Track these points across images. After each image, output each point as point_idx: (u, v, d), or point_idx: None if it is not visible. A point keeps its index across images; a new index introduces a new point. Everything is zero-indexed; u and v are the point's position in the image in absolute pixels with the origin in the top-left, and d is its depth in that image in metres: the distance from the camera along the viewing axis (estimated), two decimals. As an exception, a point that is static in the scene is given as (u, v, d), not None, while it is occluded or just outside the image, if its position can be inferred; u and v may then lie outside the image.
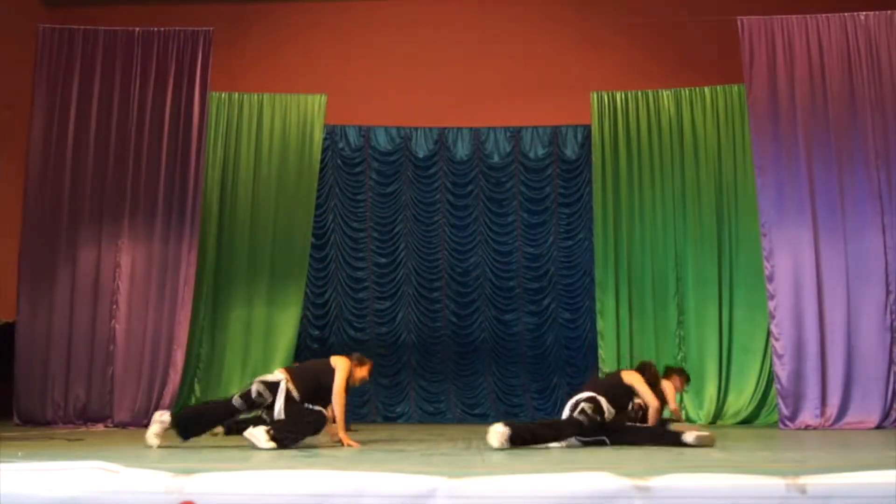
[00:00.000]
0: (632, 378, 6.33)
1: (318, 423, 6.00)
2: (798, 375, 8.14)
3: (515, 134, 10.90)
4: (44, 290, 8.46)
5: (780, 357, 8.21)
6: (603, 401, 5.98)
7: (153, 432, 5.79)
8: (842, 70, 8.42)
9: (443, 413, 10.55)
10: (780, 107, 8.45)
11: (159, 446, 5.70)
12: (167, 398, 8.37)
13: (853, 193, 8.25)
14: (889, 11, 8.45)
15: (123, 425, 8.24)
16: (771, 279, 8.30)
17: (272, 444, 5.67)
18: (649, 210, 9.71)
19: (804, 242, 8.26)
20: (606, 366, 9.15)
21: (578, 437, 5.89)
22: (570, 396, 8.66)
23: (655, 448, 5.65)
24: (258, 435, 5.71)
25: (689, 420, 9.20)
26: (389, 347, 10.75)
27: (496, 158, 10.90)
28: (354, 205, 10.90)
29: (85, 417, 8.32)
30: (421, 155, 10.97)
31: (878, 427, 7.85)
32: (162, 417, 5.88)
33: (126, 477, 2.74)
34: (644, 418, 6.37)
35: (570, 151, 10.80)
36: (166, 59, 8.84)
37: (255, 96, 9.92)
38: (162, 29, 8.92)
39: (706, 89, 9.83)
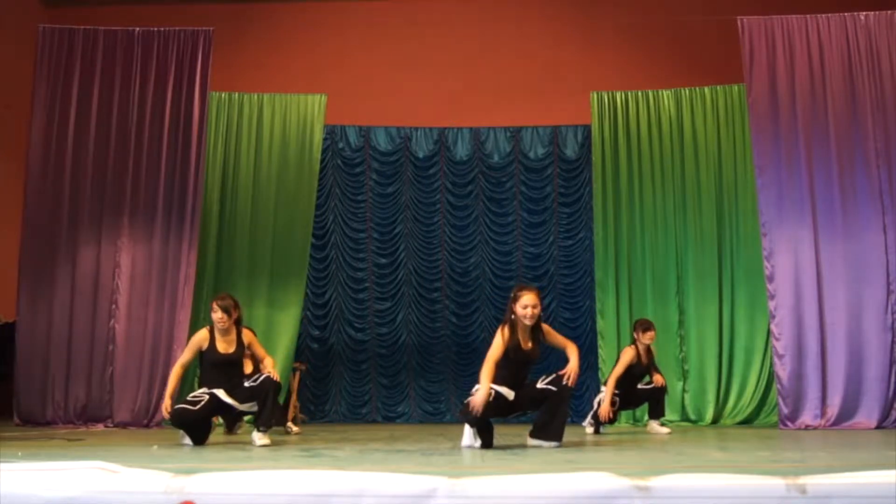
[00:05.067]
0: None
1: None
2: (798, 375, 8.14)
3: (515, 134, 10.90)
4: (44, 289, 8.47)
5: (780, 357, 8.21)
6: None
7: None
8: (842, 70, 8.42)
9: (443, 413, 10.55)
10: (780, 107, 8.44)
11: (159, 447, 5.70)
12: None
13: (853, 193, 8.24)
14: (889, 11, 8.45)
15: (123, 425, 8.24)
16: (771, 279, 8.30)
17: (266, 441, 5.85)
18: (649, 210, 9.72)
19: (804, 242, 8.26)
20: (606, 366, 9.14)
21: None
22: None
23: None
24: (254, 436, 5.91)
25: (688, 420, 9.22)
26: (390, 348, 10.77)
27: (496, 158, 10.91)
28: (354, 205, 10.90)
29: (85, 417, 8.32)
30: (421, 155, 10.97)
31: (879, 427, 7.85)
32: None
33: (126, 477, 2.74)
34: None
35: (570, 151, 10.80)
36: (166, 59, 8.84)
37: (255, 96, 9.92)
38: (162, 29, 8.92)
39: (706, 89, 9.83)
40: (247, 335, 6.23)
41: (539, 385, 5.54)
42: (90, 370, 8.39)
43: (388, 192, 10.94)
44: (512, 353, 5.52)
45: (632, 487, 2.56)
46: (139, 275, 8.59)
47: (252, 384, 5.91)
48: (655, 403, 7.87)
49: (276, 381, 5.92)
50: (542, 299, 5.72)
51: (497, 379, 5.51)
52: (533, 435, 5.65)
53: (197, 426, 5.94)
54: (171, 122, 8.77)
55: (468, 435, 5.55)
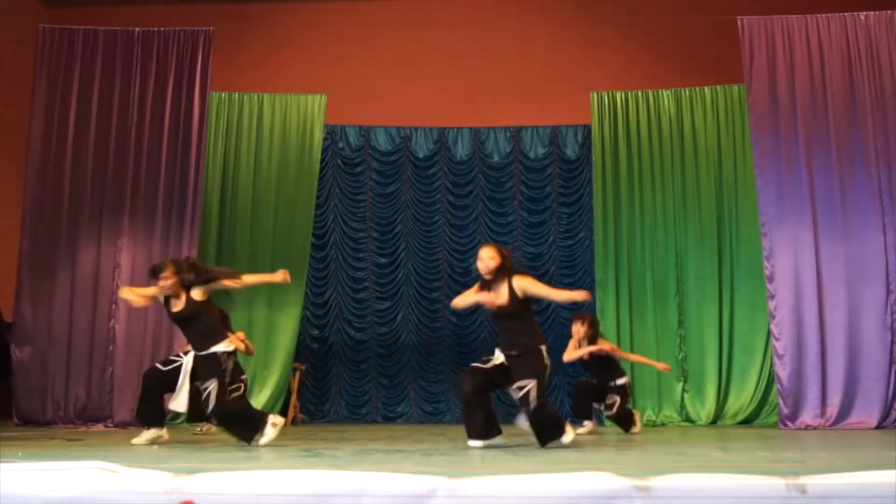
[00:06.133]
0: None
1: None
2: (798, 375, 8.14)
3: (515, 134, 10.90)
4: (44, 289, 8.46)
5: (780, 357, 8.21)
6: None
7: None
8: (842, 70, 8.42)
9: (443, 413, 10.55)
10: (780, 107, 8.45)
11: (159, 447, 5.71)
12: (167, 398, 8.35)
13: (853, 193, 8.25)
14: (889, 11, 8.45)
15: (123, 425, 8.24)
16: (771, 279, 8.30)
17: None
18: (649, 210, 9.71)
19: (804, 242, 8.26)
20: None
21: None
22: (570, 396, 8.62)
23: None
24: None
25: (689, 420, 9.23)
26: (389, 348, 10.76)
27: (496, 158, 10.91)
28: (354, 205, 10.90)
29: (85, 417, 8.32)
30: (421, 155, 10.97)
31: (879, 427, 7.85)
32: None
33: (126, 477, 2.74)
34: None
35: (570, 151, 10.80)
36: (166, 59, 8.84)
37: (255, 96, 9.92)
38: (162, 29, 8.92)
39: (706, 89, 9.83)
40: (199, 289, 5.96)
41: (513, 389, 5.49)
42: (90, 370, 8.39)
43: (388, 192, 10.93)
44: (487, 309, 5.69)
45: (632, 487, 2.57)
46: (139, 275, 8.56)
47: (204, 404, 5.84)
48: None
49: (226, 411, 5.83)
50: (502, 252, 5.67)
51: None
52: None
53: (154, 394, 5.98)
54: (171, 122, 8.77)
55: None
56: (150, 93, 8.78)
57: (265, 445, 5.71)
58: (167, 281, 5.90)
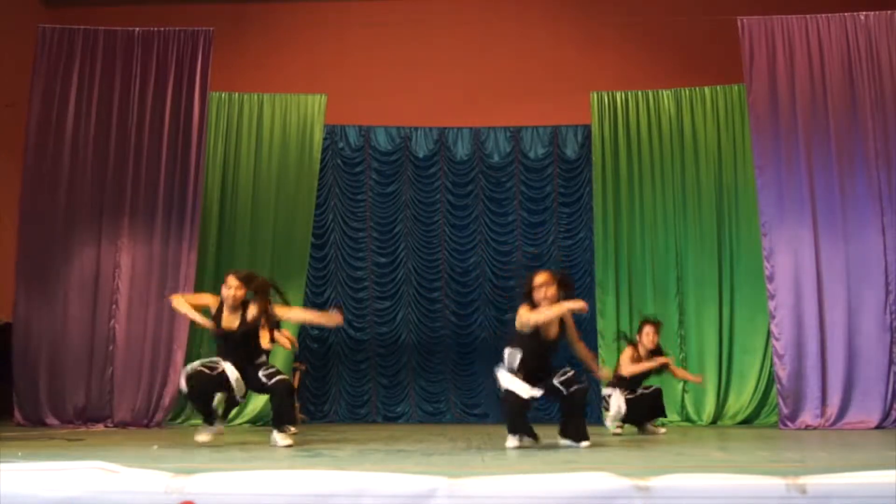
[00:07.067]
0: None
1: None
2: (798, 375, 8.14)
3: (515, 134, 10.91)
4: (44, 290, 8.45)
5: (780, 357, 8.21)
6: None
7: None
8: (842, 70, 8.42)
9: (443, 413, 10.56)
10: (780, 107, 8.45)
11: (159, 447, 5.71)
12: (167, 398, 8.37)
13: (853, 193, 8.25)
14: (889, 11, 8.45)
15: (123, 425, 8.24)
16: (771, 279, 8.30)
17: (289, 441, 5.80)
18: (649, 210, 9.72)
19: (804, 242, 8.27)
20: (607, 365, 9.13)
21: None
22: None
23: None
24: (276, 438, 5.83)
25: (689, 420, 9.23)
26: (389, 347, 10.77)
27: (496, 158, 10.91)
28: (354, 205, 10.91)
29: (85, 417, 8.32)
30: (421, 155, 10.98)
31: (878, 427, 7.86)
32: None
33: (126, 477, 2.74)
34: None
35: (570, 151, 10.81)
36: (166, 59, 8.84)
37: (255, 96, 9.92)
38: (162, 29, 8.92)
39: (706, 89, 9.83)
40: (255, 308, 5.94)
41: (554, 381, 5.54)
42: (90, 370, 8.39)
43: (388, 192, 10.94)
44: (536, 338, 5.53)
45: (632, 487, 2.57)
46: (139, 275, 8.58)
47: (265, 380, 5.85)
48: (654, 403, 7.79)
49: (289, 384, 5.93)
50: (558, 281, 5.66)
51: (522, 368, 5.47)
52: (562, 435, 5.75)
53: (209, 398, 5.94)
54: (171, 122, 8.77)
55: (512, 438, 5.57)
56: (150, 93, 8.78)
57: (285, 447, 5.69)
58: (234, 291, 5.90)
